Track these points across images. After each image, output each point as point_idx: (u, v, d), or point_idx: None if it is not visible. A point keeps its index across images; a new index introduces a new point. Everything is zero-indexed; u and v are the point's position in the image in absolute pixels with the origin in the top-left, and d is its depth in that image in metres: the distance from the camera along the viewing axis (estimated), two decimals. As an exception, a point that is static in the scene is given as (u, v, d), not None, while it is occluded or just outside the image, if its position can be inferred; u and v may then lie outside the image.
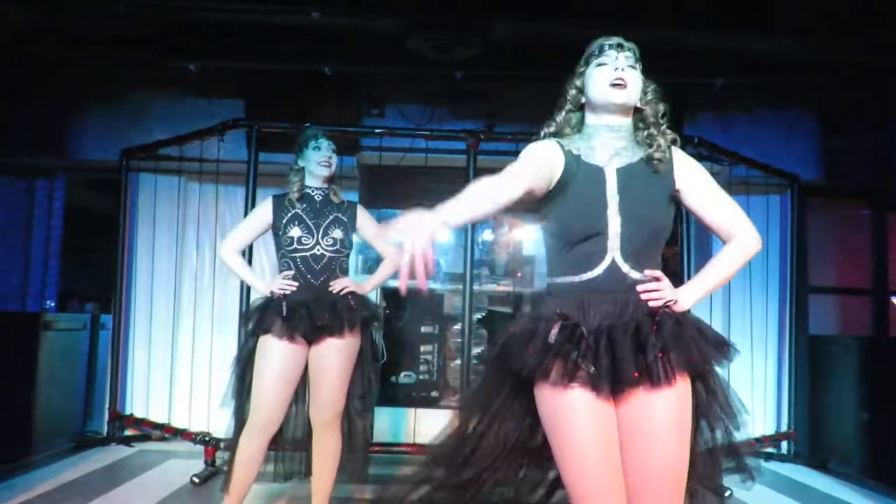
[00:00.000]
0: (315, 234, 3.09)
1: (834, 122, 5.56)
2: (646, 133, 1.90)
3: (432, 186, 5.17)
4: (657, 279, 1.83)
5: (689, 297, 1.87)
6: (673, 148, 1.92)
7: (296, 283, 3.02)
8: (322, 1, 4.29)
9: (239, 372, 3.13)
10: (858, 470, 4.70)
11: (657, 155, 1.86)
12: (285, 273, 3.05)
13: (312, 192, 3.17)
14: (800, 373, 5.35)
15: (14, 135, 5.28)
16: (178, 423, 5.03)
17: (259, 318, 3.04)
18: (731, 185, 5.36)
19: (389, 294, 5.65)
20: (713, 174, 5.51)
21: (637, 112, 1.92)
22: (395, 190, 6.19)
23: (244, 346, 3.17)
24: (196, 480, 4.08)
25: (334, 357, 3.03)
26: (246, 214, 4.61)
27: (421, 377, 5.74)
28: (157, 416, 5.16)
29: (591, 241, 1.82)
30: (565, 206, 1.84)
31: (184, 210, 5.37)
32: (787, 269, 5.49)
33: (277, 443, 3.14)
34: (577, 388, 1.72)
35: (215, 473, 4.26)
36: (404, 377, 5.76)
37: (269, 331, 2.96)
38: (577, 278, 1.84)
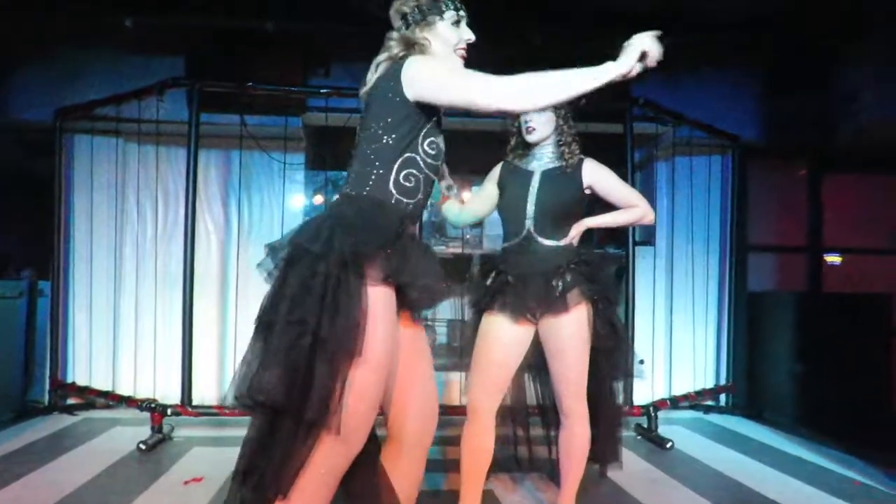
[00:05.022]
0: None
1: (774, 84, 5.66)
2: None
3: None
4: None
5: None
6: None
7: None
8: (264, -45, 4.16)
9: None
10: (792, 419, 4.93)
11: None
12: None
13: None
14: (739, 328, 5.54)
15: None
16: (122, 391, 4.95)
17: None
18: (675, 146, 5.47)
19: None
20: (658, 135, 5.59)
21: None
22: (341, 151, 6.09)
23: None
24: (143, 447, 4.03)
25: None
26: (188, 177, 4.52)
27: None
28: (101, 384, 5.05)
29: None
30: None
31: (123, 172, 5.21)
32: (728, 228, 5.64)
33: None
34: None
35: (162, 440, 4.23)
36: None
37: None
38: None
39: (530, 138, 2.77)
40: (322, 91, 4.87)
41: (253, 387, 1.71)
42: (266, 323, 1.77)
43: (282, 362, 1.69)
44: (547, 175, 2.77)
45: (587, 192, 2.76)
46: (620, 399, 2.88)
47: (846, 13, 4.69)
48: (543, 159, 2.79)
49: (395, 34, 2.03)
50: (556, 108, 2.74)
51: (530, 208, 2.73)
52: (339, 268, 1.73)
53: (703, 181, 5.58)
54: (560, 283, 2.63)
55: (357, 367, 1.71)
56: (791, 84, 5.55)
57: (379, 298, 1.78)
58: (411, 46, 1.98)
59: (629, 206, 2.75)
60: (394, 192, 1.89)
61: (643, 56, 1.80)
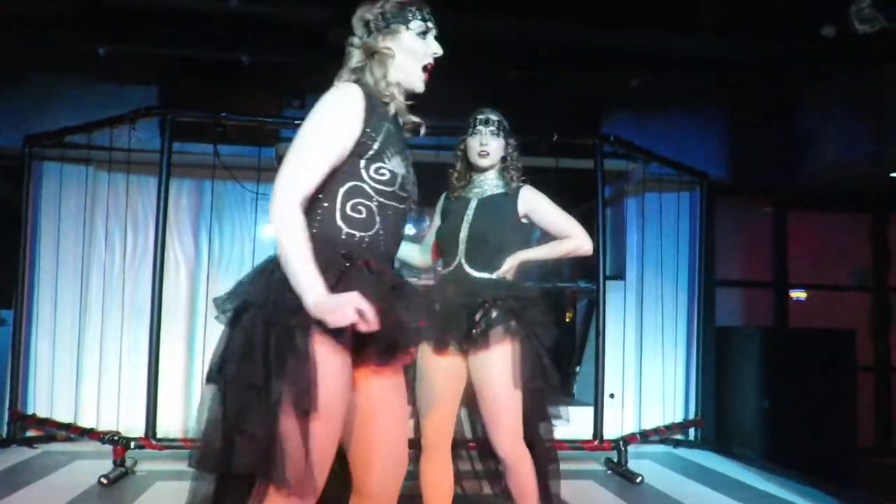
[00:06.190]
0: (410, 177, 1.91)
1: (740, 123, 5.82)
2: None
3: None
4: None
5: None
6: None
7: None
8: (241, -13, 4.19)
9: None
10: (760, 454, 4.96)
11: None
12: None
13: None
14: (707, 362, 5.59)
15: None
16: (84, 423, 4.84)
17: None
18: (644, 183, 5.56)
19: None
20: (627, 172, 5.67)
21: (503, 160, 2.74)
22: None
23: None
24: (104, 481, 3.93)
25: None
26: (159, 206, 4.47)
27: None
28: (63, 416, 4.93)
29: None
30: None
31: (92, 201, 5.15)
32: (696, 264, 5.72)
33: None
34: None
35: (125, 474, 4.12)
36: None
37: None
38: None
39: (483, 162, 2.69)
40: (296, 122, 4.84)
41: (217, 455, 1.59)
42: (220, 384, 1.65)
43: (234, 427, 1.58)
44: (483, 203, 2.71)
45: (524, 220, 2.70)
46: (550, 438, 2.69)
47: (806, 58, 4.85)
48: (483, 186, 2.73)
49: (356, 41, 1.88)
50: (507, 137, 2.73)
51: (463, 237, 2.66)
52: (280, 318, 1.56)
53: (672, 217, 5.67)
54: (483, 319, 2.53)
55: (304, 420, 1.56)
56: (756, 123, 5.71)
57: (325, 345, 1.58)
58: (371, 56, 1.84)
59: (565, 235, 2.69)
60: (342, 226, 1.71)
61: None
